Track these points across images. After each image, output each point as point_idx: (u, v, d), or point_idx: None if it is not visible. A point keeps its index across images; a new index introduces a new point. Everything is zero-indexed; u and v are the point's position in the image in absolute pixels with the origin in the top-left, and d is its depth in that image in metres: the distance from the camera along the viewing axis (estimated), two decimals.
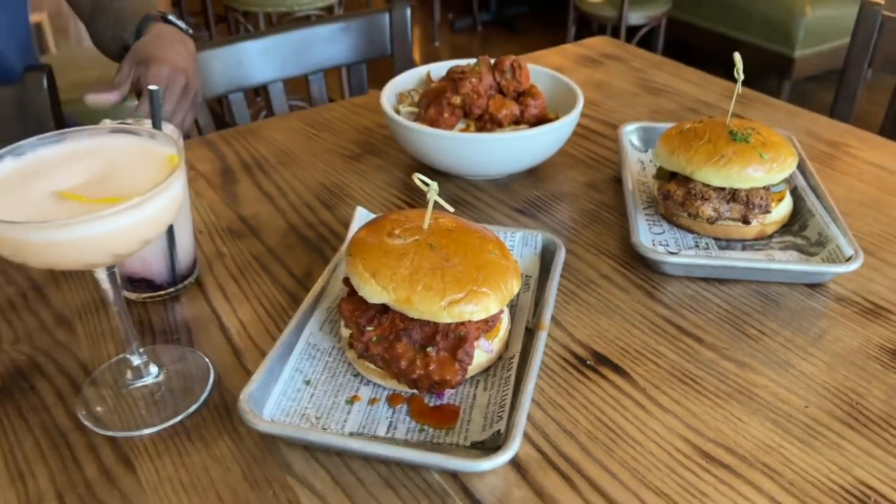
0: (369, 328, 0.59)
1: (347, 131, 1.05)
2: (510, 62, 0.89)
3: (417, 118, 0.89)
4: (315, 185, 0.91)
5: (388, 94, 0.93)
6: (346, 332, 0.63)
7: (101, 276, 0.54)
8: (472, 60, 0.92)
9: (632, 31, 3.62)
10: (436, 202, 0.59)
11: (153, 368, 0.61)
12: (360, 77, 1.50)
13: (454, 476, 0.54)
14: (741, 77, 0.79)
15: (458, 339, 0.58)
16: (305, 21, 1.48)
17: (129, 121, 0.69)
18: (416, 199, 0.87)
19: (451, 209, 0.61)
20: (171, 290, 0.72)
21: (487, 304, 0.58)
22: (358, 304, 0.60)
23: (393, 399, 0.60)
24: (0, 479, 0.54)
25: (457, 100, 0.86)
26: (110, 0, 1.07)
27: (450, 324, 0.58)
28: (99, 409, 0.59)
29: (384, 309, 0.59)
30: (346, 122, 1.07)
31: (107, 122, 0.69)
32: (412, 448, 0.53)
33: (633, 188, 0.83)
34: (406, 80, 0.97)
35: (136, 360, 0.61)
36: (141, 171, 0.53)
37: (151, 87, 0.61)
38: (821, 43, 3.75)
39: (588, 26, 4.13)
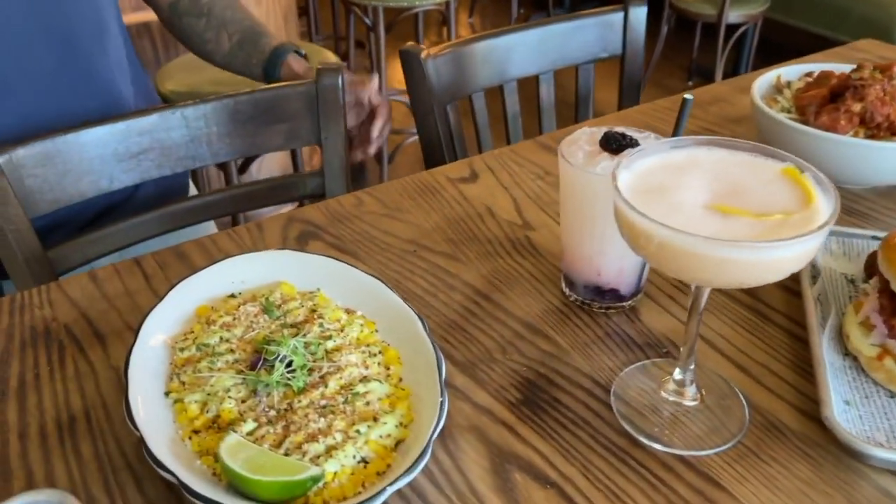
0: None
1: None
2: None
3: (803, 124, 0.86)
4: None
5: (758, 99, 0.90)
6: (869, 351, 0.61)
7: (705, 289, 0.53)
8: (852, 66, 0.89)
9: (730, 30, 3.48)
10: None
11: (693, 387, 0.60)
12: (588, 77, 1.48)
13: None
14: None
15: None
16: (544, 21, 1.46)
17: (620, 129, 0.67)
18: None
19: None
20: (631, 301, 0.70)
21: None
22: None
23: None
24: (596, 498, 0.53)
25: (857, 107, 0.83)
26: (211, 3, 1.08)
27: None
28: (645, 425, 0.58)
29: None
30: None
31: (586, 129, 0.68)
32: None
33: None
34: (759, 85, 0.94)
35: (679, 375, 0.59)
36: (764, 185, 0.51)
37: (687, 95, 0.59)
38: None
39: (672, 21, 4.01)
